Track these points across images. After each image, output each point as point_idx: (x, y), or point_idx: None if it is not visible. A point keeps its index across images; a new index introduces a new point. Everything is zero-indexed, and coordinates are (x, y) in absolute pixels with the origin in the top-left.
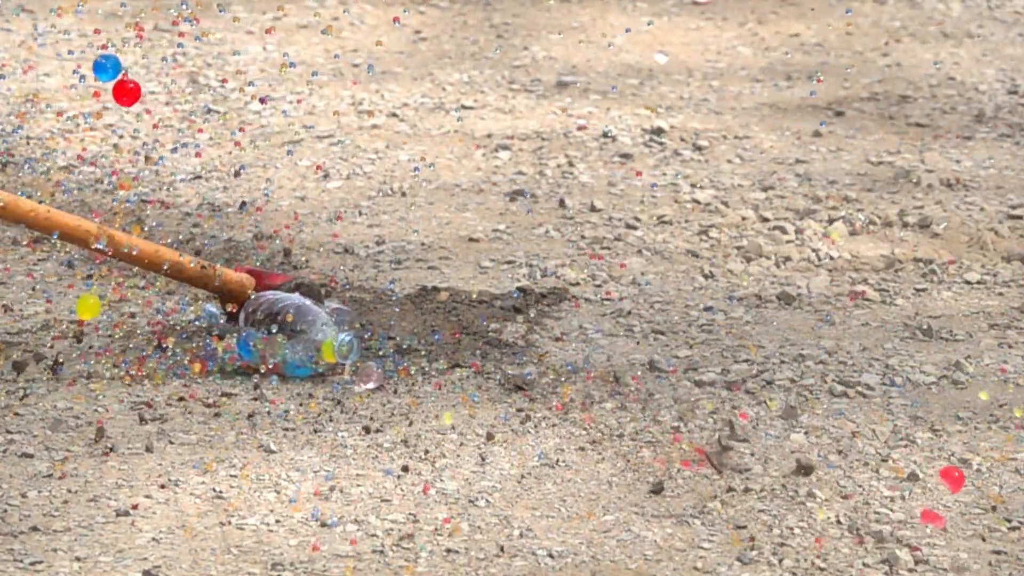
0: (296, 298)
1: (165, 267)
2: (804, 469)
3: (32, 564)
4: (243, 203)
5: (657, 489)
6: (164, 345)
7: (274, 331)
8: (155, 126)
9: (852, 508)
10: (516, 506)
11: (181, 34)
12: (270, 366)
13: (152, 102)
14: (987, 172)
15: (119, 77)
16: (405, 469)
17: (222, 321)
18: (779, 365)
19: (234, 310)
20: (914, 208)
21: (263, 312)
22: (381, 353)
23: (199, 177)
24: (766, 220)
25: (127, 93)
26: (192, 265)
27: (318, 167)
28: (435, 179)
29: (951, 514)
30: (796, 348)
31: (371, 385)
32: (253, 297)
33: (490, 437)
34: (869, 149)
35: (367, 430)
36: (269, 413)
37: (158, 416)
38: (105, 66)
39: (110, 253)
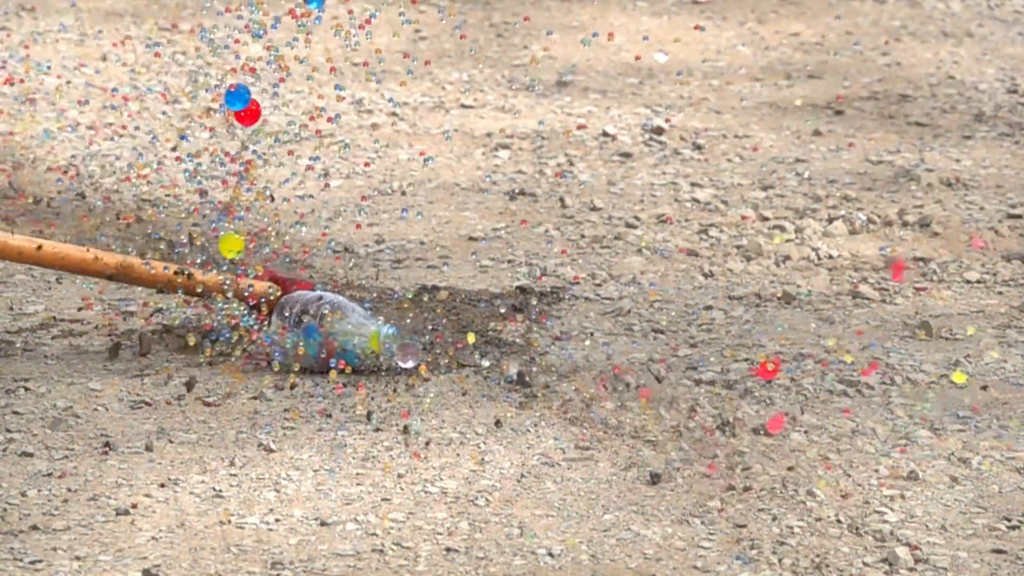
0: (333, 295)
1: (184, 275)
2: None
3: (32, 563)
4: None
5: (655, 479)
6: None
7: (321, 316)
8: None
9: (852, 507)
10: (516, 505)
11: (174, 25)
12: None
13: (152, 101)
14: (987, 171)
15: (248, 105)
16: (405, 468)
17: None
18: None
19: (261, 318)
20: (914, 207)
21: (299, 308)
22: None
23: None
24: (766, 219)
25: (251, 116)
26: (212, 277)
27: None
28: (435, 178)
29: (951, 513)
30: (796, 347)
31: (410, 363)
32: (287, 297)
33: (498, 423)
34: (869, 148)
35: (367, 429)
36: (268, 412)
37: (157, 415)
38: (235, 96)
39: (116, 274)
